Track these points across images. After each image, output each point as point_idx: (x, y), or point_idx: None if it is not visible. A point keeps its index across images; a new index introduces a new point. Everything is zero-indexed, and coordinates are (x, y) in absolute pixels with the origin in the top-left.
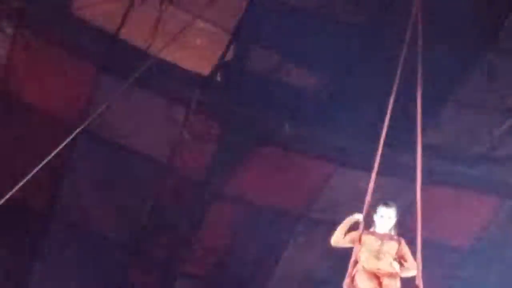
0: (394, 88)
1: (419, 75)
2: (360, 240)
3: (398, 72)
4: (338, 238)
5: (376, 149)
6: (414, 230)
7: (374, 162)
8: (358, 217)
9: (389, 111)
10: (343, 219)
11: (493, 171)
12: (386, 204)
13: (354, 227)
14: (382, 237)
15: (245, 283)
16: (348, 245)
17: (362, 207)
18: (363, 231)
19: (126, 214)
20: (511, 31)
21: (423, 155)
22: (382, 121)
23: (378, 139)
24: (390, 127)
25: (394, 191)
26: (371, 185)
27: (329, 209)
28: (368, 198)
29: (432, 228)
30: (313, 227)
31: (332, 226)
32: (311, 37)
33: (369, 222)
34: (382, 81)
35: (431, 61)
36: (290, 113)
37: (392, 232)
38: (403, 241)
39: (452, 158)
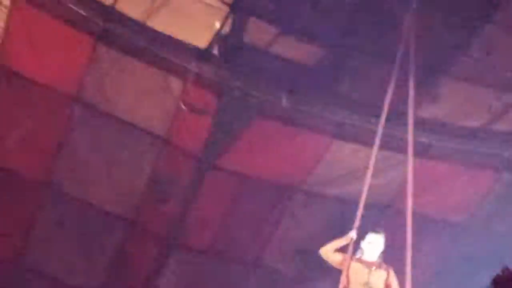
0: (396, 67)
1: (412, 54)
2: (348, 266)
3: (399, 52)
4: (328, 252)
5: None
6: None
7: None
8: (353, 235)
9: (391, 88)
10: (340, 192)
11: (490, 145)
12: (374, 230)
13: (343, 248)
14: (370, 266)
15: (239, 256)
16: (334, 262)
17: (359, 181)
18: (351, 257)
19: (123, 187)
20: (511, 4)
21: (420, 130)
22: (380, 95)
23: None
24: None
25: (390, 165)
26: (372, 161)
27: (325, 182)
28: (368, 174)
29: (428, 202)
30: (309, 200)
31: (329, 199)
32: (310, 10)
33: (356, 247)
34: (381, 54)
35: (429, 34)
36: (287, 86)
37: (380, 260)
38: (391, 271)
39: (449, 132)
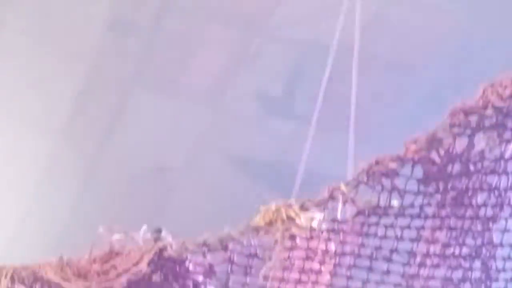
0: None
1: None
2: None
3: None
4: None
5: None
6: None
7: None
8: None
9: None
10: (300, 37)
11: None
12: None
13: None
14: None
15: (198, 96)
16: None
17: (320, 24)
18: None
19: (80, 29)
20: None
21: None
22: None
23: None
24: None
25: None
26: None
27: (285, 26)
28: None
29: (387, 45)
30: (270, 43)
31: (290, 41)
32: None
33: None
34: None
35: None
36: None
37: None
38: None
39: None
